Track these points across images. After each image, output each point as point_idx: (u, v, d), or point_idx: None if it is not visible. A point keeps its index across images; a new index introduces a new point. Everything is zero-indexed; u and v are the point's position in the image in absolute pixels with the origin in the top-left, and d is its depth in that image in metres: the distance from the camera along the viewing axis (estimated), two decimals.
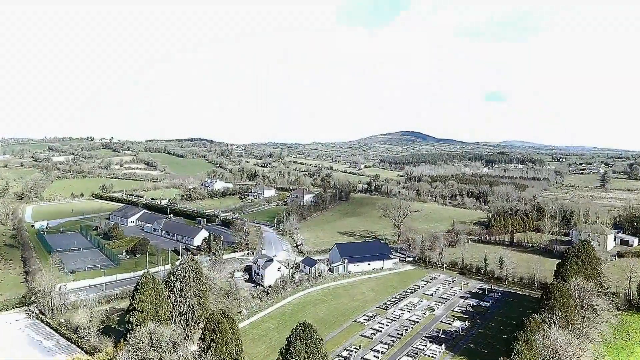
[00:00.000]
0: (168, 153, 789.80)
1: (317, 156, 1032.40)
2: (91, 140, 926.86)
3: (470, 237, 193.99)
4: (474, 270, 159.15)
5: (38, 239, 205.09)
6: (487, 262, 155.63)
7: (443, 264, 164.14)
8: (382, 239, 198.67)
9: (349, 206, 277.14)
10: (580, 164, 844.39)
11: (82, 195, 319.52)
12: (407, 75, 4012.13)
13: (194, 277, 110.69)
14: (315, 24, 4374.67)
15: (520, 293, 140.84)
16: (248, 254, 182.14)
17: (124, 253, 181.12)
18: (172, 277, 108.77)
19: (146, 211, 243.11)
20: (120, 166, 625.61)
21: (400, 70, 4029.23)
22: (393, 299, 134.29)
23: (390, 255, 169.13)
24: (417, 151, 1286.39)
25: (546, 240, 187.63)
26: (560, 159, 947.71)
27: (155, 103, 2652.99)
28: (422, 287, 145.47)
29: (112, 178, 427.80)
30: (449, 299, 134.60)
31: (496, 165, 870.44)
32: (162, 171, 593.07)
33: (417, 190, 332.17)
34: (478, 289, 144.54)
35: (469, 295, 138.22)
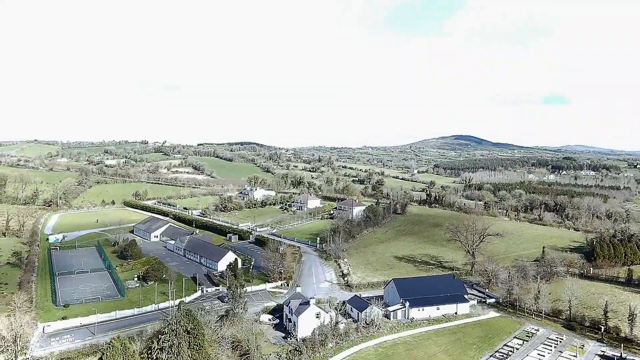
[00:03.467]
0: (217, 157, 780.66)
1: (368, 161, 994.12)
2: (145, 143, 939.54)
3: (570, 270, 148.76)
4: (587, 324, 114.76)
5: (47, 256, 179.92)
6: (608, 314, 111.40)
7: (541, 312, 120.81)
8: (452, 269, 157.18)
9: (406, 222, 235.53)
10: None
11: (113, 202, 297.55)
12: (461, 77, 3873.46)
13: (189, 342, 76.03)
14: (364, 28, 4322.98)
15: None
16: (282, 285, 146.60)
17: (136, 278, 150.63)
18: (155, 344, 74.36)
19: (172, 224, 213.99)
20: (168, 170, 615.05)
21: (453, 72, 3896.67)
22: None
23: (466, 296, 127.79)
24: (472, 156, 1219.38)
25: None
26: (638, 165, 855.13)
27: (210, 106, 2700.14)
28: (517, 349, 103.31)
29: (153, 183, 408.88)
30: None
31: (564, 172, 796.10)
32: (209, 175, 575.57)
33: (485, 203, 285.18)
34: (602, 357, 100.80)
35: None
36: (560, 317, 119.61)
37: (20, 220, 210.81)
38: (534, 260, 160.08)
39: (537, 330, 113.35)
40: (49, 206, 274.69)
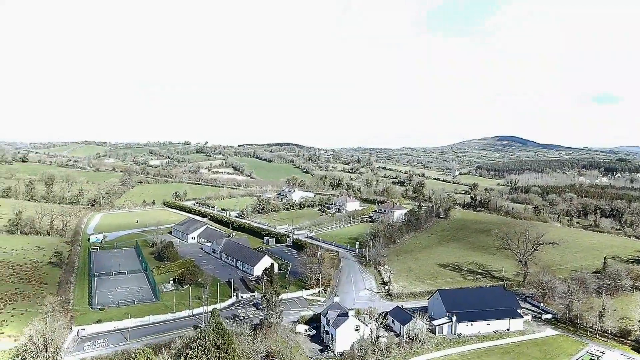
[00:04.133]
0: (257, 157, 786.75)
1: (407, 162, 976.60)
2: (187, 144, 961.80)
3: (636, 284, 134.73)
4: None
5: (87, 256, 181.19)
6: None
7: (606, 331, 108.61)
8: (502, 280, 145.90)
9: (449, 227, 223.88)
10: None
11: (153, 203, 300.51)
12: (504, 76, 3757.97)
13: (219, 358, 70.71)
14: (407, 29, 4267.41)
15: None
16: (320, 292, 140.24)
17: (171, 281, 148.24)
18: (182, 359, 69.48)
19: (209, 226, 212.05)
20: (209, 170, 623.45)
21: (496, 72, 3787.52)
22: None
23: (519, 311, 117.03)
24: (516, 157, 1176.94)
25: None
26: None
27: (250, 108, 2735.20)
28: None
29: (193, 183, 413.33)
30: None
31: (618, 175, 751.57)
32: (248, 176, 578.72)
33: (534, 207, 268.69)
34: None
35: None
36: (629, 338, 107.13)
37: (64, 219, 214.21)
38: (594, 272, 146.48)
39: (603, 352, 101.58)
40: (92, 206, 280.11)
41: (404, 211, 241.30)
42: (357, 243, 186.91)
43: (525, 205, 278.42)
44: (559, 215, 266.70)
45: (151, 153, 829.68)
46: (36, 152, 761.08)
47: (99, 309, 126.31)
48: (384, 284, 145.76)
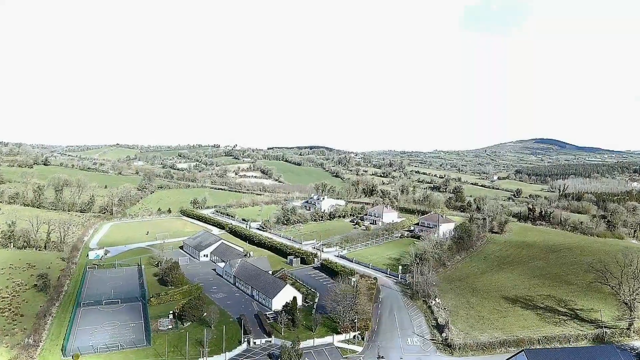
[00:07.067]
0: (286, 161, 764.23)
1: (440, 165, 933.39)
2: (216, 147, 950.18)
3: None
4: None
5: (81, 278, 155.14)
6: None
7: None
8: (599, 326, 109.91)
9: (508, 245, 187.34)
10: None
11: (169, 211, 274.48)
12: (540, 77, 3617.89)
13: None
14: (438, 27, 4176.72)
15: None
16: (356, 337, 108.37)
17: (171, 315, 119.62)
18: None
19: (224, 242, 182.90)
20: (236, 174, 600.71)
21: (531, 72, 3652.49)
22: None
23: None
24: (555, 160, 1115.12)
25: None
26: None
27: (280, 110, 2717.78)
28: None
29: (215, 189, 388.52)
30: None
31: None
32: (277, 180, 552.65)
33: (607, 220, 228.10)
34: None
35: None
36: None
37: (62, 231, 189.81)
38: None
39: None
40: (102, 214, 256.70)
41: (452, 225, 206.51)
42: (400, 267, 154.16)
43: (598, 220, 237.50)
44: (635, 230, 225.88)
45: (180, 156, 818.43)
46: (69, 155, 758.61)
47: (73, 356, 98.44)
48: (438, 327, 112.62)
